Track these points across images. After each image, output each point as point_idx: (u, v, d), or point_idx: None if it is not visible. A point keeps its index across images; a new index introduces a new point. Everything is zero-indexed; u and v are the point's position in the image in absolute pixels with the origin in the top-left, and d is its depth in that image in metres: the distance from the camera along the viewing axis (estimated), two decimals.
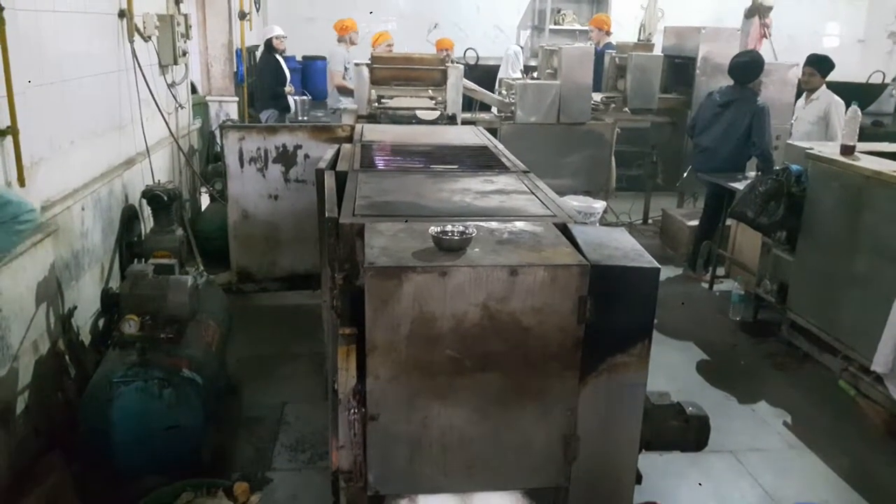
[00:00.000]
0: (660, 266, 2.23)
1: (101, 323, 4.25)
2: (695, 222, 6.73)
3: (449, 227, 2.30)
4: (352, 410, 2.25)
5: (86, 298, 4.06)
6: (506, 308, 2.22)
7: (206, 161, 7.79)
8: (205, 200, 7.30)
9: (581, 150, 7.39)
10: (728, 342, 5.21)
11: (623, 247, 2.38)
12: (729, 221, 6.12)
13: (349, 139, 4.60)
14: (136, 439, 3.12)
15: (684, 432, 3.03)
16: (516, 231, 2.50)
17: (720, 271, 6.33)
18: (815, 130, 6.17)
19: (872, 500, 2.95)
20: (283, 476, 3.48)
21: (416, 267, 2.16)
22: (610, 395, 2.34)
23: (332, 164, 3.61)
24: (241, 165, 5.50)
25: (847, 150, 4.69)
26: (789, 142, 5.64)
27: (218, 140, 6.69)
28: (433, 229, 2.28)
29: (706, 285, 6.29)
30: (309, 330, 4.87)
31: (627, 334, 2.27)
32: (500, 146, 4.20)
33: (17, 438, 3.11)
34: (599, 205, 6.48)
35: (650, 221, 8.12)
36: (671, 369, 4.54)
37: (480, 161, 3.77)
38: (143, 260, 4.01)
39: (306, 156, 5.50)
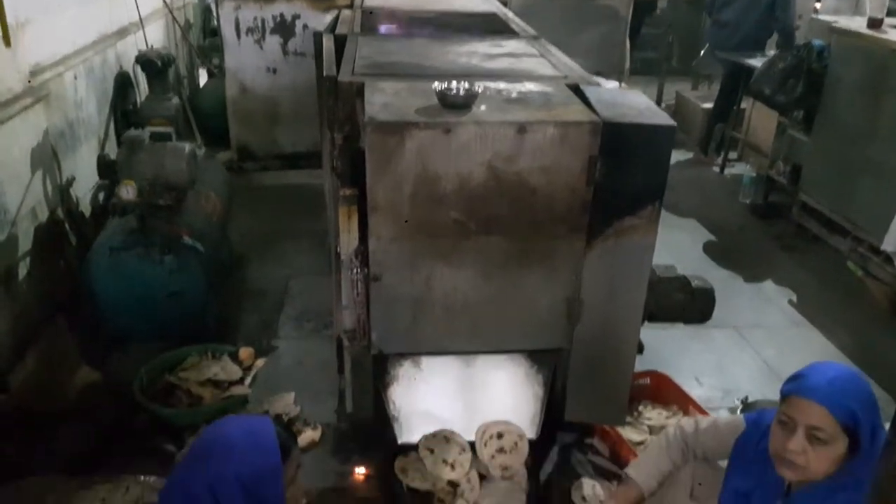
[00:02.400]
0: (675, 123, 2.12)
1: (101, 196, 4.20)
2: (709, 105, 6.53)
3: (454, 83, 2.17)
4: (354, 270, 2.22)
5: (84, 170, 3.98)
6: (512, 168, 2.13)
7: (203, 36, 7.50)
8: (203, 79, 7.07)
9: (594, 27, 7.05)
10: (736, 224, 5.15)
11: (637, 106, 2.26)
12: (744, 104, 5.93)
13: (349, 6, 4.37)
14: (139, 305, 3.12)
15: (689, 305, 3.02)
16: (525, 91, 2.37)
17: (732, 155, 6.19)
18: (844, 7, 5.87)
19: (874, 375, 2.96)
20: (288, 344, 3.52)
21: (418, 123, 2.06)
22: (616, 259, 2.28)
23: (332, 28, 3.44)
24: (238, 37, 5.28)
25: (874, 24, 4.45)
26: (814, 16, 5.36)
27: (214, 12, 6.39)
28: (437, 85, 2.16)
29: (717, 169, 6.17)
30: (311, 208, 4.80)
31: (638, 196, 2.19)
32: (510, 13, 3.99)
33: (21, 304, 3.12)
34: (612, 85, 6.25)
35: (664, 106, 7.88)
36: (677, 249, 4.48)
37: (489, 26, 3.59)
38: (140, 129, 3.89)
39: (305, 26, 5.27)
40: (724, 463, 2.06)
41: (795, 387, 1.55)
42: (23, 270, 3.19)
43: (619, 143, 2.11)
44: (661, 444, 1.99)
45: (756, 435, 1.73)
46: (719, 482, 1.86)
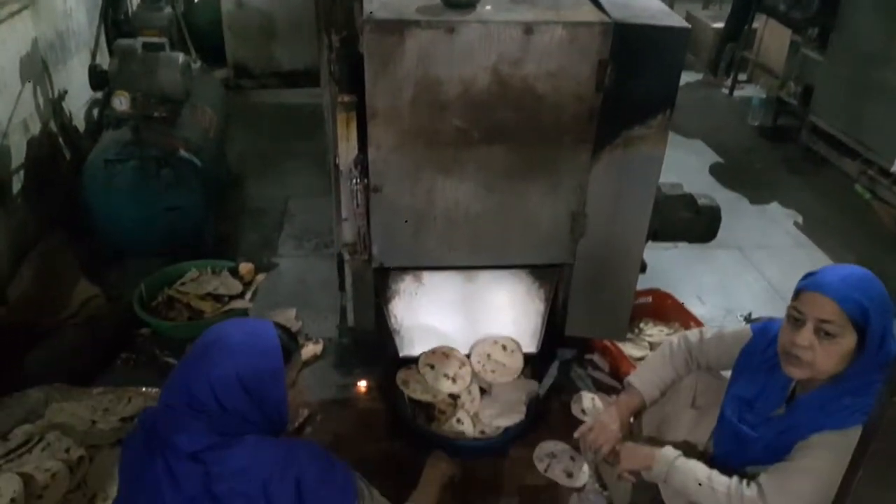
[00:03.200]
0: (689, 26, 2.02)
1: (95, 112, 4.10)
2: (720, 24, 6.30)
3: None
4: (353, 181, 2.16)
5: (76, 84, 3.87)
6: (518, 72, 2.05)
7: None
8: None
9: None
10: (744, 146, 5.04)
11: (650, 8, 2.15)
12: (756, 23, 5.72)
13: None
14: (136, 220, 3.07)
15: (694, 223, 2.97)
16: None
17: (742, 76, 6.03)
18: None
19: None
20: (288, 262, 3.49)
21: (419, 21, 1.96)
22: (623, 171, 2.23)
23: None
24: None
25: None
26: None
27: None
28: None
29: (726, 91, 6.02)
30: (310, 128, 4.70)
31: (648, 104, 2.11)
32: None
33: (16, 218, 3.07)
34: None
35: None
36: (684, 171, 4.38)
37: None
38: (132, 39, 3.75)
39: None
40: (727, 374, 2.06)
41: (807, 282, 1.52)
42: (17, 184, 3.13)
43: (630, 46, 2.01)
44: (665, 354, 1.97)
45: (762, 343, 1.71)
46: (721, 393, 1.85)
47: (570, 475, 2.29)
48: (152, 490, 1.36)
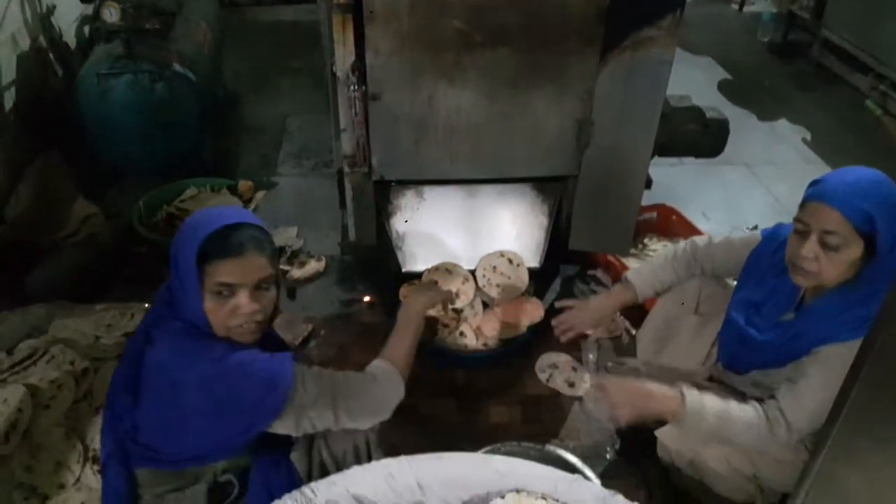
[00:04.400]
0: None
1: (86, 29, 3.97)
2: None
3: None
4: (351, 87, 2.09)
5: (65, 2, 3.73)
6: None
7: None
8: None
9: None
10: (753, 63, 4.92)
11: None
12: None
13: None
14: (132, 137, 3.02)
15: (702, 136, 2.91)
16: None
17: None
18: None
19: None
20: (287, 180, 3.45)
21: None
22: (631, 76, 2.15)
23: None
24: None
25: None
26: None
27: None
28: None
29: (736, 6, 5.83)
30: (307, 45, 4.57)
31: (657, 4, 2.02)
32: None
33: (10, 136, 3.01)
34: None
35: None
36: (691, 87, 4.24)
37: None
38: None
39: None
40: (732, 284, 2.03)
41: (812, 191, 1.48)
42: (8, 101, 3.06)
43: None
44: (668, 256, 1.94)
45: (771, 247, 1.68)
46: (726, 299, 1.83)
47: (571, 385, 2.31)
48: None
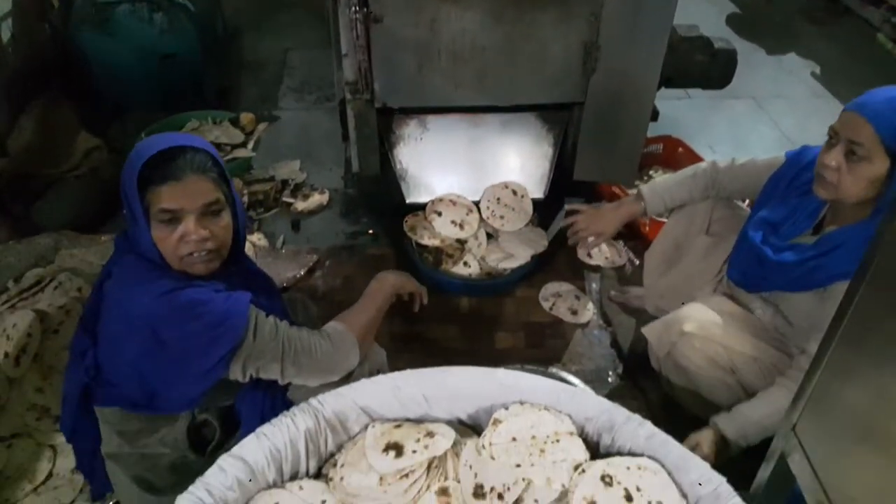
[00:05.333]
0: None
1: None
2: None
3: None
4: (353, 9, 2.05)
5: None
6: None
7: None
8: None
9: None
10: None
11: None
12: None
13: None
14: (132, 69, 2.98)
15: (709, 67, 2.86)
16: None
17: None
18: None
19: None
20: (289, 114, 3.42)
21: None
22: None
23: None
24: None
25: None
26: None
27: None
28: None
29: None
30: None
31: None
32: None
33: (9, 69, 2.96)
34: None
35: None
36: (700, 20, 4.20)
37: None
38: None
39: None
40: (744, 205, 2.02)
41: (852, 103, 1.46)
42: (6, 33, 3.00)
43: None
44: (687, 174, 1.92)
45: (795, 168, 1.66)
46: (737, 222, 1.83)
47: (574, 312, 2.33)
48: None
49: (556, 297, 2.39)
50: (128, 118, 3.14)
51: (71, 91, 3.12)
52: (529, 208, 2.49)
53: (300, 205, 2.77)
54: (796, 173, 1.65)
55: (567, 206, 2.10)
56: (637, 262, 2.54)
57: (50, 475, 1.77)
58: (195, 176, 1.29)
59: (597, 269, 2.51)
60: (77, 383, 1.39)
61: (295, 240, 2.65)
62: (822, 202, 1.59)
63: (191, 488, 1.18)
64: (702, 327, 1.71)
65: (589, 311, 2.33)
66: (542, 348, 2.21)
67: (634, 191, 2.78)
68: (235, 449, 1.25)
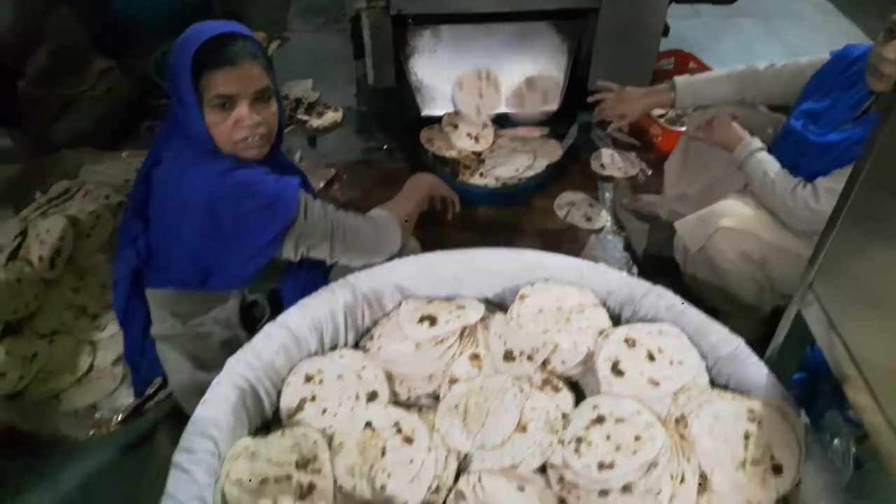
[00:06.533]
0: None
1: None
2: None
3: None
4: None
5: None
6: None
7: None
8: None
9: None
10: None
11: None
12: None
13: None
14: None
15: None
16: None
17: None
18: None
19: None
20: (299, 36, 3.42)
21: None
22: None
23: None
24: None
25: None
26: None
27: None
28: None
29: None
30: None
31: None
32: None
33: None
34: None
35: None
36: None
37: None
38: None
39: None
40: (765, 110, 2.04)
41: None
42: None
43: None
44: (721, 74, 1.94)
45: (841, 65, 1.68)
46: (762, 124, 1.87)
47: (588, 219, 2.38)
48: None
49: (571, 206, 2.44)
50: (139, 41, 3.14)
51: (83, 15, 3.11)
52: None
53: (315, 122, 2.80)
54: (844, 67, 1.67)
55: (598, 83, 2.13)
56: (650, 173, 2.58)
57: (91, 368, 1.84)
58: (249, 61, 1.31)
59: (610, 179, 2.56)
60: (128, 267, 1.45)
61: (312, 155, 2.69)
62: (866, 95, 1.61)
63: (240, 352, 1.25)
64: (740, 222, 1.75)
65: (603, 218, 2.39)
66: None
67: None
68: (280, 318, 1.32)
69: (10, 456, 1.69)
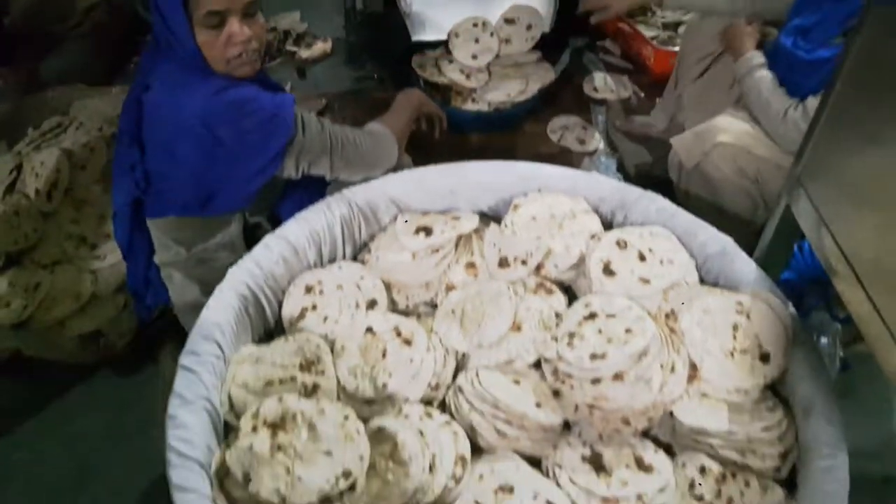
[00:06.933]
0: None
1: None
2: None
3: None
4: None
5: None
6: None
7: None
8: None
9: None
10: None
11: None
12: None
13: None
14: None
15: None
16: None
17: None
18: None
19: None
20: None
21: None
22: None
23: None
24: None
25: None
26: None
27: None
28: None
29: None
30: None
31: None
32: None
33: None
34: None
35: None
36: None
37: None
38: None
39: None
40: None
41: None
42: None
43: None
44: None
45: None
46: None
47: (582, 142, 2.39)
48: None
49: (564, 130, 2.45)
50: None
51: None
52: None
53: (304, 53, 2.78)
54: None
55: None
56: (642, 95, 2.58)
57: (94, 296, 1.87)
58: None
59: (602, 102, 2.56)
60: (127, 198, 1.45)
61: (302, 86, 2.68)
62: (856, 7, 1.60)
63: (240, 261, 1.28)
64: (736, 138, 1.77)
65: (596, 140, 2.40)
66: None
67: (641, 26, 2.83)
68: (278, 230, 1.35)
69: (16, 381, 1.75)
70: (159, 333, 1.77)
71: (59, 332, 1.80)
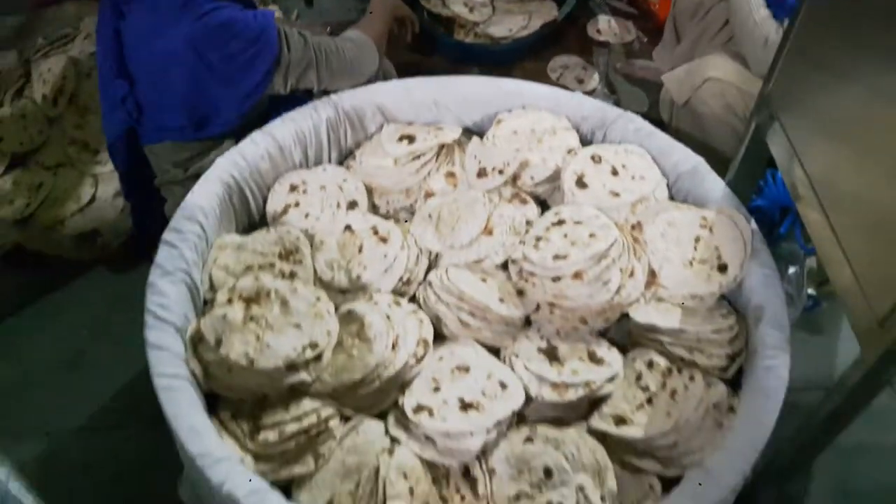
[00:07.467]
0: None
1: None
2: None
3: None
4: None
5: None
6: None
7: None
8: None
9: None
10: None
11: None
12: None
13: None
14: None
15: None
16: None
17: None
18: None
19: None
20: None
21: None
22: None
23: None
24: None
25: None
26: None
27: None
28: None
29: None
30: None
31: None
32: None
33: None
34: None
35: None
36: None
37: None
38: None
39: None
40: None
41: None
42: None
43: None
44: None
45: None
46: None
47: (580, 82, 2.41)
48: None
49: (564, 69, 2.46)
50: None
51: None
52: None
53: None
54: None
55: None
56: (645, 40, 2.58)
57: (93, 199, 1.94)
58: None
59: (605, 44, 2.57)
60: (120, 128, 1.47)
61: (309, 15, 2.70)
62: None
63: (226, 153, 1.33)
64: (726, 74, 1.78)
65: (594, 81, 2.41)
66: None
67: None
68: (265, 127, 1.39)
69: (17, 272, 1.83)
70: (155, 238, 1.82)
71: (59, 231, 1.87)
